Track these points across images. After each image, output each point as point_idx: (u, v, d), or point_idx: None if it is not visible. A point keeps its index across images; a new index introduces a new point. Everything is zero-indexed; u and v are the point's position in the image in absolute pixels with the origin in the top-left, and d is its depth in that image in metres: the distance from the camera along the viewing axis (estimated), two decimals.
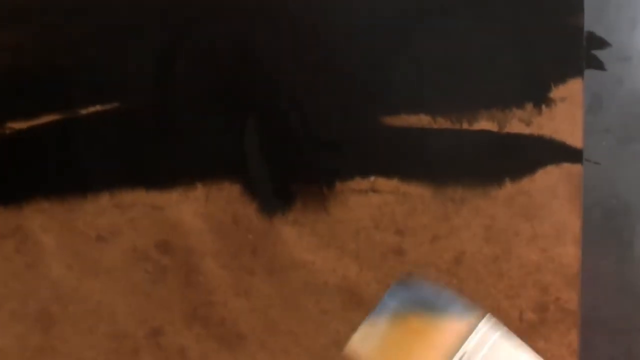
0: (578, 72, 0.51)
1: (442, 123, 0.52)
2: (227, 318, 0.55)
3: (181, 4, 0.52)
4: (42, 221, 0.54)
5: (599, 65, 0.51)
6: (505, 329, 0.35)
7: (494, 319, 0.35)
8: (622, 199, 0.53)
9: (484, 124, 0.52)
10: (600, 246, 0.54)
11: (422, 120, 0.52)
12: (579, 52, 0.51)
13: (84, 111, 0.53)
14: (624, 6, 0.51)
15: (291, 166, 0.53)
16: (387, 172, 0.53)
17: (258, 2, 0.51)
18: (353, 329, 0.55)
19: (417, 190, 0.53)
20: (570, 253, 0.54)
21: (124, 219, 0.54)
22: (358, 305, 0.55)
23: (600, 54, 0.51)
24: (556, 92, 0.52)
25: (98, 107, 0.52)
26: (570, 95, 0.52)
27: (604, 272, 0.54)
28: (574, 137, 0.52)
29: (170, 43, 0.52)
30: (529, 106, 0.52)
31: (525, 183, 0.53)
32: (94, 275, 0.54)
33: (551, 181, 0.53)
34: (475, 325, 0.35)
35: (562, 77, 0.52)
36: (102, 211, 0.53)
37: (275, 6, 0.52)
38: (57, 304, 0.55)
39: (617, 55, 0.51)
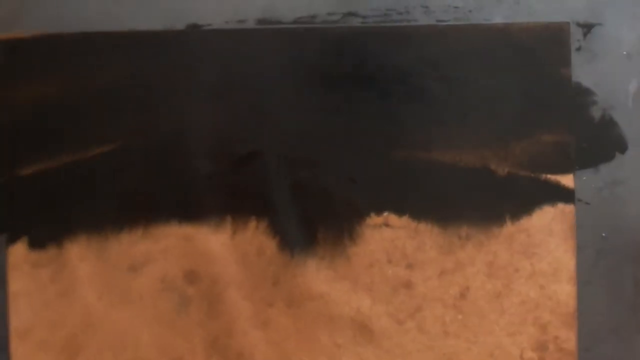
0: (567, 118, 0.58)
1: (449, 163, 0.58)
2: (245, 349, 0.58)
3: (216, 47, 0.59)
4: (79, 250, 0.57)
5: (586, 113, 0.58)
6: None
7: None
8: (611, 239, 0.58)
9: (487, 165, 0.58)
10: (593, 286, 0.58)
11: (431, 159, 0.58)
12: (567, 100, 0.58)
13: (123, 146, 0.58)
14: (609, 58, 0.59)
15: (314, 204, 0.58)
16: (399, 208, 0.58)
17: (280, 46, 0.58)
18: None
19: (426, 226, 0.58)
20: (566, 291, 0.58)
21: (156, 249, 0.58)
22: (369, 341, 0.58)
23: (586, 101, 0.58)
24: (548, 136, 0.58)
25: (137, 143, 0.58)
26: (560, 139, 0.58)
27: (596, 312, 0.58)
28: (566, 178, 0.58)
29: (198, 82, 0.58)
30: (526, 149, 0.58)
31: (524, 222, 0.58)
32: (123, 304, 0.58)
33: (547, 220, 0.58)
34: None
35: (553, 123, 0.58)
36: (136, 242, 0.57)
37: (293, 53, 0.58)
38: (84, 333, 0.58)
39: (603, 104, 0.58)
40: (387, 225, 0.58)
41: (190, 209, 0.58)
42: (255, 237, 0.58)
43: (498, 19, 0.58)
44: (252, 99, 0.58)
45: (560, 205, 0.58)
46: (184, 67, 0.58)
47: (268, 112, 0.58)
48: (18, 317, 0.58)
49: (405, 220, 0.58)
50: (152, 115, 0.58)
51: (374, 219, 0.58)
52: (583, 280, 0.57)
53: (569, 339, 0.58)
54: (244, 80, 0.58)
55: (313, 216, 0.58)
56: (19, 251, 0.57)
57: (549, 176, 0.58)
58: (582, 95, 0.58)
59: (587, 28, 0.58)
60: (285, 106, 0.58)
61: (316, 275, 0.58)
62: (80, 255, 0.57)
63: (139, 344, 0.58)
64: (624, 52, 0.58)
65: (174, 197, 0.58)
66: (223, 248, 0.58)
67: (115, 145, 0.58)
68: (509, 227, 0.58)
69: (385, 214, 0.57)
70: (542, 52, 0.58)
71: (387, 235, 0.58)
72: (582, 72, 0.58)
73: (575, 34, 0.58)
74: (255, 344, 0.58)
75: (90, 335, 0.58)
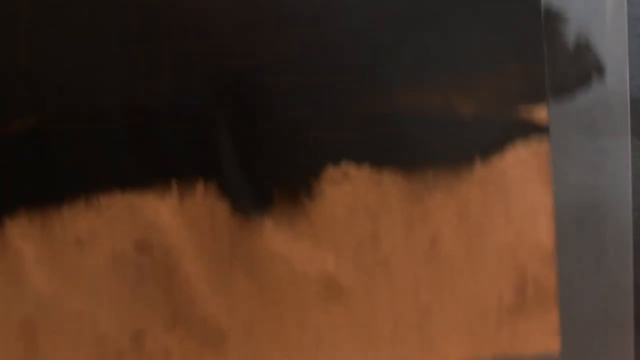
0: (537, 45, 0.53)
1: (409, 104, 0.53)
2: (208, 317, 0.55)
3: None
4: (21, 229, 0.54)
5: (558, 37, 0.53)
6: None
7: None
8: (597, 198, 0.54)
9: (451, 103, 0.53)
10: (577, 246, 0.54)
11: (389, 102, 0.53)
12: (536, 24, 0.52)
13: (55, 115, 0.53)
14: None
15: (264, 159, 0.53)
16: (358, 158, 0.53)
17: None
18: (333, 323, 0.56)
19: (389, 175, 0.54)
20: (544, 231, 0.54)
21: (101, 221, 0.54)
22: (336, 299, 0.55)
23: (558, 24, 0.52)
24: (517, 67, 0.53)
25: (69, 110, 0.53)
26: (530, 69, 0.53)
27: (581, 274, 0.55)
28: (539, 110, 0.53)
29: (141, 43, 0.53)
30: (493, 82, 0.53)
31: (496, 161, 0.53)
32: (75, 280, 0.54)
33: (520, 159, 0.53)
34: None
35: (521, 51, 0.52)
36: (79, 215, 0.53)
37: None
38: (39, 312, 0.55)
39: (576, 26, 0.52)
40: (345, 176, 0.53)
41: (131, 175, 0.53)
42: (206, 201, 0.54)
43: None
44: (183, 47, 0.52)
45: (535, 143, 0.53)
46: (101, 11, 0.52)
47: (204, 60, 0.52)
48: None
49: (365, 170, 0.53)
50: (73, 74, 0.52)
51: (331, 172, 0.53)
52: (565, 240, 0.54)
53: (548, 278, 0.55)
54: (172, 25, 0.52)
55: (266, 174, 0.53)
56: None
57: (520, 110, 0.52)
58: (552, 18, 0.52)
59: None
60: (224, 52, 0.52)
61: (275, 236, 0.54)
62: (22, 234, 0.54)
63: (98, 320, 0.55)
64: None
65: (112, 164, 0.53)
66: (172, 214, 0.54)
67: (40, 114, 0.53)
68: (479, 169, 0.53)
69: (344, 164, 0.53)
70: None
71: (347, 188, 0.53)
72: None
73: None
74: (218, 311, 0.55)
75: (45, 314, 0.55)
